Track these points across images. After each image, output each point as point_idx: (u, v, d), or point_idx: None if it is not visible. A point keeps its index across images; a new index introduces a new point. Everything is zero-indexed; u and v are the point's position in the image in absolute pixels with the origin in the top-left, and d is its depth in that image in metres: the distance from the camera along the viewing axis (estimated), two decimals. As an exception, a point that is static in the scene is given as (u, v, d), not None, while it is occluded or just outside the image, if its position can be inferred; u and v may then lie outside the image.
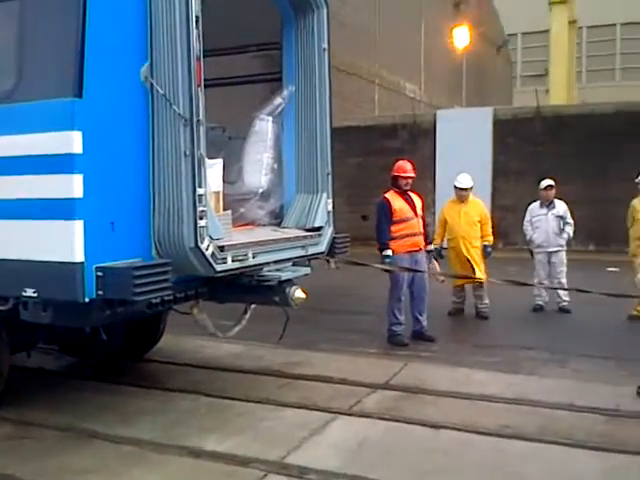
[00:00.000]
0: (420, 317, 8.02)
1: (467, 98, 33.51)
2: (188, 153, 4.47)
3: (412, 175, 8.04)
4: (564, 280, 9.65)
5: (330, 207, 6.26)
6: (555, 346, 7.60)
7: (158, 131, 4.54)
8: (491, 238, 9.41)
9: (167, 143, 4.51)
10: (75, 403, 5.75)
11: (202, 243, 4.54)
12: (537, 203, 10.03)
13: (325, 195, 6.20)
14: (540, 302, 9.74)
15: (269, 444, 4.81)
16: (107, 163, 4.34)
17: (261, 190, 6.08)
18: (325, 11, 6.16)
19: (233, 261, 4.87)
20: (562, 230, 9.72)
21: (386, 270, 7.81)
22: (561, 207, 9.82)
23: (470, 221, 9.29)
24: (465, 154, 16.34)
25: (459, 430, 5.05)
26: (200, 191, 4.52)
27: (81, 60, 4.13)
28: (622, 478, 4.37)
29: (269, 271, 5.40)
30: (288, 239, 5.76)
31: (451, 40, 29.60)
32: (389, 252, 7.74)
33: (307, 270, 5.99)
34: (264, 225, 6.07)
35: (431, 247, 8.36)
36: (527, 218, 10.02)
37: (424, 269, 7.99)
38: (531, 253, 10.00)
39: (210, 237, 4.62)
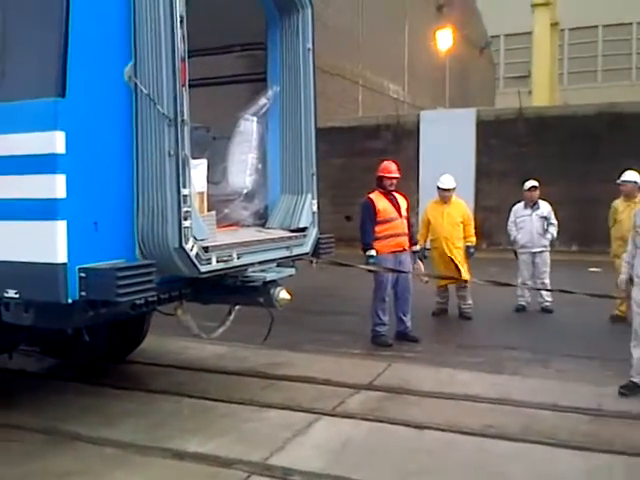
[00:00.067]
0: (404, 317, 8.04)
1: (450, 99, 33.66)
2: (172, 153, 4.43)
3: (397, 176, 8.06)
4: (547, 281, 9.73)
5: (315, 208, 6.24)
6: (538, 346, 7.65)
7: (142, 131, 4.50)
8: (474, 239, 9.46)
9: (151, 143, 4.47)
10: (57, 405, 5.70)
11: (186, 244, 4.51)
12: (521, 204, 10.10)
13: (310, 196, 6.18)
14: (523, 302, 9.81)
15: (252, 445, 4.80)
16: (90, 163, 4.29)
17: (245, 191, 6.05)
18: (310, 11, 6.14)
19: (217, 262, 4.85)
20: (546, 231, 9.79)
21: (370, 270, 7.82)
22: (545, 208, 9.90)
23: (453, 222, 9.33)
24: (448, 155, 16.40)
25: (443, 430, 5.07)
26: (184, 191, 4.49)
27: (64, 59, 4.07)
28: (605, 478, 4.41)
29: (254, 272, 5.37)
30: (273, 240, 5.74)
31: (434, 42, 29.69)
32: (373, 252, 7.76)
33: (292, 271, 5.97)
34: (248, 226, 6.05)
35: (417, 248, 8.38)
36: (511, 219, 10.08)
37: (408, 270, 8.01)
38: (515, 254, 10.07)
39: (194, 238, 4.59)
